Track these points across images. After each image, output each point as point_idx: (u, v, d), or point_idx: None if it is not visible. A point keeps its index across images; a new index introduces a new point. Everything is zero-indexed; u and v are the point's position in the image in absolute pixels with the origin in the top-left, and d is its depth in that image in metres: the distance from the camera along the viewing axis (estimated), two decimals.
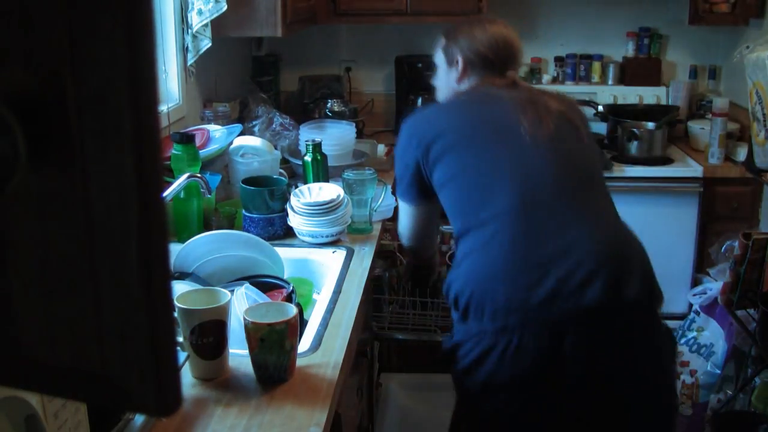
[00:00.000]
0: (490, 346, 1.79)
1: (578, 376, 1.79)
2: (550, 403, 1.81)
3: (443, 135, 1.98)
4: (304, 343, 1.66)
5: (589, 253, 1.78)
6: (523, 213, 1.84)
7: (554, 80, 4.06)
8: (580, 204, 1.88)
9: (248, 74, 3.82)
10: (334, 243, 2.29)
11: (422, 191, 2.07)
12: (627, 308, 1.80)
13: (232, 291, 1.67)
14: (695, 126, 3.77)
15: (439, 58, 2.20)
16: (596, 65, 4.04)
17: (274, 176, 2.47)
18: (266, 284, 1.89)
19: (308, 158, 2.53)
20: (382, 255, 2.57)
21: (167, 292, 0.60)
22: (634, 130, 3.56)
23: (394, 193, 2.71)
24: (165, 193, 2.02)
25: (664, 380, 1.92)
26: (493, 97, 2.05)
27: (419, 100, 3.85)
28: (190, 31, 2.83)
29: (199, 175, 2.15)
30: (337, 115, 3.47)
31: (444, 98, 2.20)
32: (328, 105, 3.59)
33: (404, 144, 2.07)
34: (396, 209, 2.63)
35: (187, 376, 1.52)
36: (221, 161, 2.60)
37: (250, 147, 2.62)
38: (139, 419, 1.31)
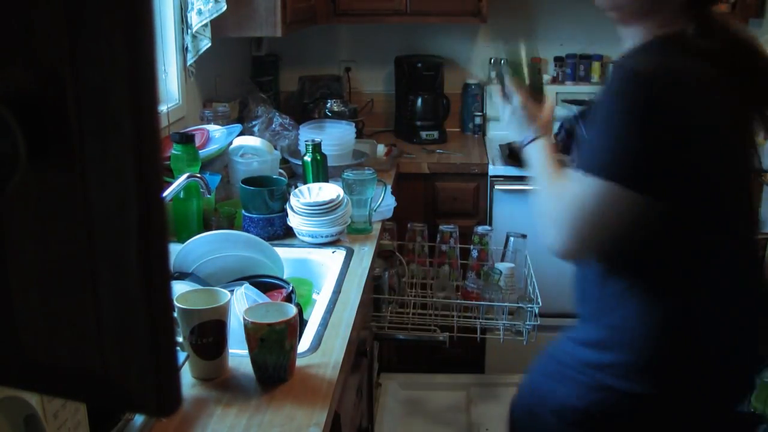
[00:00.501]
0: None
1: None
2: None
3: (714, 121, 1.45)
4: (304, 343, 1.66)
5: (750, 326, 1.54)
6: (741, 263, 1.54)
7: (554, 80, 4.05)
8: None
9: (248, 74, 3.82)
10: (333, 243, 2.29)
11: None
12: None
13: (231, 291, 1.67)
14: None
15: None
16: (596, 65, 4.04)
17: (274, 176, 2.47)
18: (266, 284, 1.89)
19: (308, 158, 2.53)
20: (381, 255, 2.58)
21: (167, 292, 0.60)
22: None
23: (393, 193, 2.71)
24: (165, 193, 2.02)
25: None
26: None
27: (418, 100, 3.85)
28: (189, 31, 2.83)
29: (198, 175, 2.15)
30: (337, 115, 3.47)
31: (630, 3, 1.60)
32: (328, 105, 3.59)
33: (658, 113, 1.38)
34: (396, 209, 2.64)
35: (186, 376, 1.52)
36: (221, 161, 2.60)
37: (250, 147, 2.62)
38: (138, 419, 1.31)
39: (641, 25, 1.53)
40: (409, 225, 2.89)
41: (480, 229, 2.85)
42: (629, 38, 1.57)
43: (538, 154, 1.66)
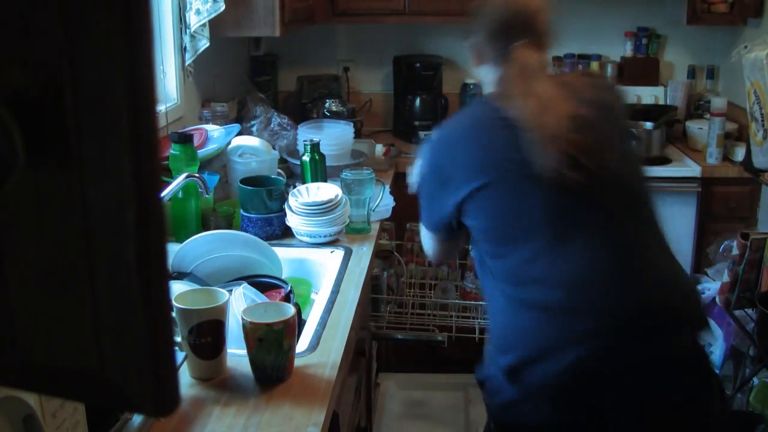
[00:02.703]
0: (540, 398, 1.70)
1: None
2: None
3: (465, 169, 1.77)
4: (302, 343, 1.66)
5: (633, 315, 1.66)
6: (560, 263, 1.67)
7: None
8: (625, 246, 1.72)
9: (246, 74, 3.82)
10: (332, 243, 2.29)
11: (447, 229, 1.88)
12: (669, 361, 1.69)
13: (230, 291, 1.67)
14: (693, 126, 3.78)
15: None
16: (594, 65, 4.04)
17: (273, 176, 2.47)
18: (264, 284, 1.89)
19: (306, 158, 2.53)
20: (380, 255, 2.58)
21: (165, 292, 0.60)
22: (632, 130, 3.56)
23: (392, 193, 2.71)
24: (163, 193, 2.02)
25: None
26: (501, 120, 1.75)
27: (417, 100, 3.86)
28: (188, 31, 2.83)
29: (197, 175, 2.15)
30: (336, 115, 3.47)
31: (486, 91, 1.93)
32: (326, 105, 3.59)
33: (429, 171, 1.87)
34: (394, 209, 2.64)
35: (185, 376, 1.52)
36: (219, 161, 2.60)
37: (249, 147, 2.62)
38: (137, 419, 1.31)
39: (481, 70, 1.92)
40: (407, 225, 2.89)
41: None
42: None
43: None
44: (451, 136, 1.85)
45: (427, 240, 2.02)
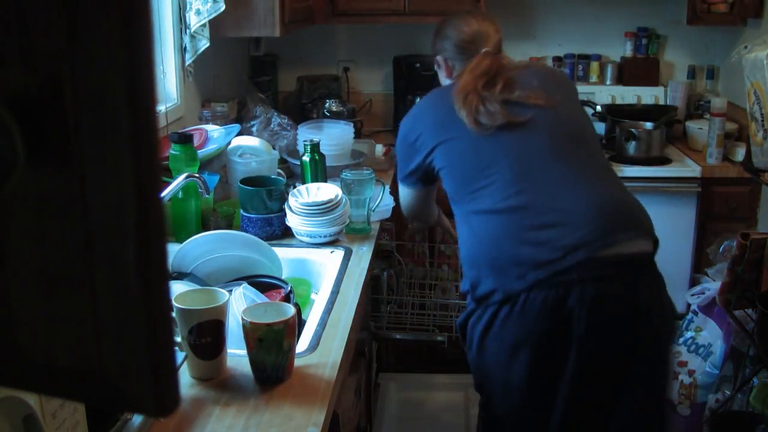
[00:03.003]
0: (497, 308, 1.92)
1: (582, 331, 1.86)
2: (559, 360, 1.90)
3: (432, 129, 2.16)
4: (302, 343, 1.66)
5: (586, 213, 1.91)
6: (517, 181, 1.97)
7: None
8: (574, 165, 2.02)
9: (246, 74, 3.82)
10: (332, 243, 2.29)
11: (421, 178, 2.27)
12: (627, 262, 1.90)
13: (230, 291, 1.67)
14: (693, 126, 3.78)
15: (435, 65, 2.39)
16: (594, 65, 4.05)
17: (272, 176, 2.47)
18: (264, 284, 1.89)
19: (306, 158, 2.53)
20: (380, 255, 2.58)
21: (165, 292, 0.60)
22: (632, 130, 3.57)
23: (392, 193, 2.71)
24: (163, 193, 2.02)
25: (668, 328, 2.05)
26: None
27: (417, 100, 3.85)
28: (188, 31, 2.83)
29: (197, 175, 2.15)
30: (335, 115, 3.47)
31: None
32: (326, 105, 3.59)
33: (401, 139, 2.27)
34: (394, 209, 2.64)
35: (185, 376, 1.52)
36: (219, 161, 2.60)
37: (249, 147, 2.62)
38: (137, 419, 1.31)
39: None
40: (409, 225, 2.90)
41: None
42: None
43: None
44: (418, 108, 2.32)
45: (404, 196, 2.42)
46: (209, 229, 2.18)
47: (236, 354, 1.57)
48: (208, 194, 2.24)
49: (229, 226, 2.29)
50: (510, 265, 1.89)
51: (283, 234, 2.32)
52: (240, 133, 2.75)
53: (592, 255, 1.85)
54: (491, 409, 2.07)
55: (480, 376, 2.06)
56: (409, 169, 2.27)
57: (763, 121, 2.83)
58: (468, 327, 2.01)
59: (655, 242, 2.00)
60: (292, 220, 2.27)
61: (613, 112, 3.82)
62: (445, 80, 2.34)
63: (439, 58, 2.33)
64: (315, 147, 2.55)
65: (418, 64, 3.89)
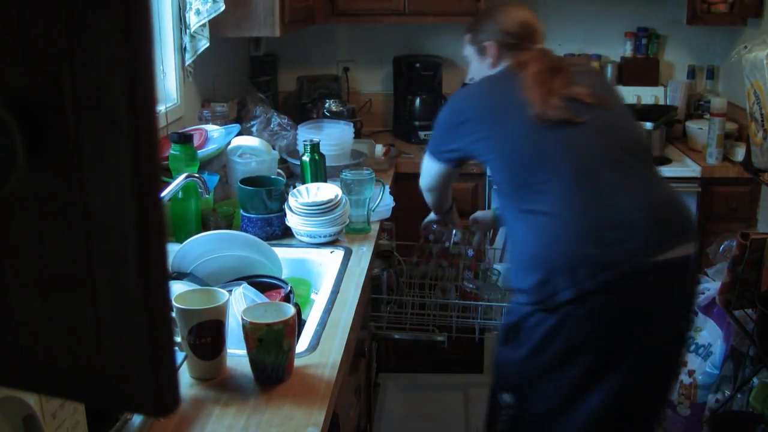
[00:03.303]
0: (566, 310, 1.90)
1: (643, 332, 1.95)
2: (615, 362, 1.95)
3: (485, 115, 2.13)
4: (302, 343, 1.66)
5: (644, 218, 1.93)
6: (580, 182, 1.96)
7: None
8: (629, 168, 2.01)
9: (246, 74, 3.82)
10: (332, 243, 2.29)
11: (455, 159, 2.29)
12: (680, 264, 1.96)
13: (230, 291, 1.67)
14: (693, 126, 3.78)
15: (469, 51, 2.34)
16: (594, 65, 4.04)
17: (272, 176, 2.47)
18: (264, 284, 1.89)
19: (306, 158, 2.53)
20: (380, 255, 2.58)
21: (165, 292, 0.60)
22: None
23: (392, 193, 2.71)
24: (163, 193, 2.02)
25: (688, 328, 2.22)
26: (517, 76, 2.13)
27: (417, 100, 3.86)
28: (188, 31, 2.83)
29: (197, 175, 2.14)
30: (335, 115, 3.47)
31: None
32: (326, 105, 3.59)
33: (447, 116, 2.24)
34: (394, 209, 2.64)
35: (185, 376, 1.52)
36: (219, 161, 2.60)
37: (248, 147, 2.62)
38: (137, 419, 1.31)
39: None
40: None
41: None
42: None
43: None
44: (472, 90, 2.28)
45: (428, 169, 2.41)
46: (209, 229, 2.18)
47: (236, 354, 1.57)
48: (208, 194, 2.24)
49: (229, 226, 2.29)
50: (579, 265, 1.89)
51: (283, 234, 2.32)
52: (240, 133, 2.75)
53: (651, 259, 1.90)
54: (526, 410, 2.04)
55: (521, 375, 2.03)
56: (446, 147, 2.25)
57: (762, 121, 2.83)
58: (525, 328, 1.97)
59: (698, 244, 2.07)
60: (292, 220, 2.27)
61: None
62: (486, 69, 2.29)
63: (487, 44, 2.25)
64: (315, 147, 2.55)
65: (418, 64, 3.89)
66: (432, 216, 2.78)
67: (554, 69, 2.12)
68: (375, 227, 2.47)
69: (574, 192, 1.95)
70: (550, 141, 2.01)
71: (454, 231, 2.83)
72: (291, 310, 1.51)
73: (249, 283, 1.83)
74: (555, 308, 1.90)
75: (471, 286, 2.68)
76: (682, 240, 1.96)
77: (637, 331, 1.94)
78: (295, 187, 2.38)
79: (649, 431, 2.13)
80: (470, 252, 2.80)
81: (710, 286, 2.98)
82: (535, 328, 1.95)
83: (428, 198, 2.61)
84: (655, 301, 1.95)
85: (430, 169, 2.40)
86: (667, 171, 3.48)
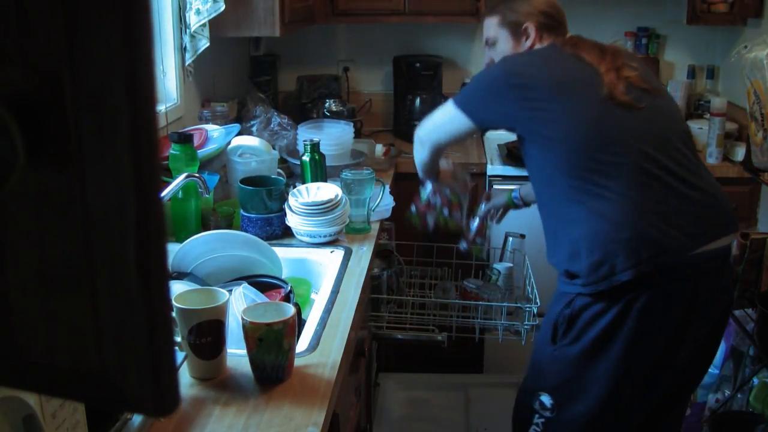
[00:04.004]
0: (629, 300, 1.92)
1: (697, 318, 1.99)
2: (670, 350, 2.01)
3: (552, 85, 2.02)
4: (302, 343, 1.66)
5: (700, 206, 1.98)
6: (645, 166, 1.94)
7: None
8: (683, 158, 2.01)
9: (246, 74, 3.82)
10: (332, 243, 2.29)
11: (487, 119, 2.17)
12: (725, 254, 2.04)
13: (230, 291, 1.67)
14: (693, 126, 3.77)
15: (501, 33, 2.25)
16: None
17: (272, 176, 2.47)
18: (264, 284, 1.89)
19: (306, 158, 2.53)
20: (380, 255, 2.58)
21: (165, 291, 0.60)
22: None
23: (392, 192, 2.71)
24: (163, 193, 2.02)
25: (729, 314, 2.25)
26: (581, 56, 2.07)
27: (417, 100, 3.85)
28: (188, 31, 2.83)
29: (197, 174, 2.14)
30: (335, 115, 3.47)
31: None
32: (326, 105, 3.59)
33: (499, 73, 2.11)
34: (394, 209, 2.64)
35: (185, 376, 1.52)
36: (219, 161, 2.60)
37: (248, 147, 2.62)
38: (137, 419, 1.31)
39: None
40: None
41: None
42: None
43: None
44: (528, 57, 2.16)
45: (446, 120, 2.21)
46: (209, 229, 2.18)
47: (236, 354, 1.57)
48: (208, 194, 2.24)
49: (229, 226, 2.29)
50: (642, 247, 1.89)
51: (283, 234, 2.32)
52: (240, 133, 2.75)
53: (705, 247, 1.94)
54: (565, 413, 2.04)
55: (566, 374, 2.02)
56: (486, 107, 2.12)
57: (763, 120, 2.83)
58: (581, 320, 1.96)
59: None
60: (292, 220, 2.27)
61: None
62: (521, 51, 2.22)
63: (527, 25, 2.18)
64: (315, 147, 2.55)
65: (418, 64, 3.89)
66: (429, 189, 2.61)
67: (611, 51, 2.08)
68: (375, 227, 2.47)
69: (638, 176, 1.93)
70: (616, 123, 1.97)
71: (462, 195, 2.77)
72: (291, 309, 1.51)
73: (249, 283, 1.83)
74: (614, 294, 1.91)
75: (471, 285, 2.68)
76: (729, 230, 2.02)
77: (694, 321, 1.98)
78: (295, 186, 2.38)
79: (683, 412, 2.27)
80: (474, 223, 2.76)
81: None
82: (594, 321, 1.95)
83: (424, 154, 2.38)
84: (709, 289, 1.98)
85: (448, 123, 2.21)
86: None
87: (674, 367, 2.03)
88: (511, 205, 2.71)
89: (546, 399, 2.04)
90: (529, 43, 2.19)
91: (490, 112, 2.11)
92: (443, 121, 2.22)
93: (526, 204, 2.67)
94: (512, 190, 2.73)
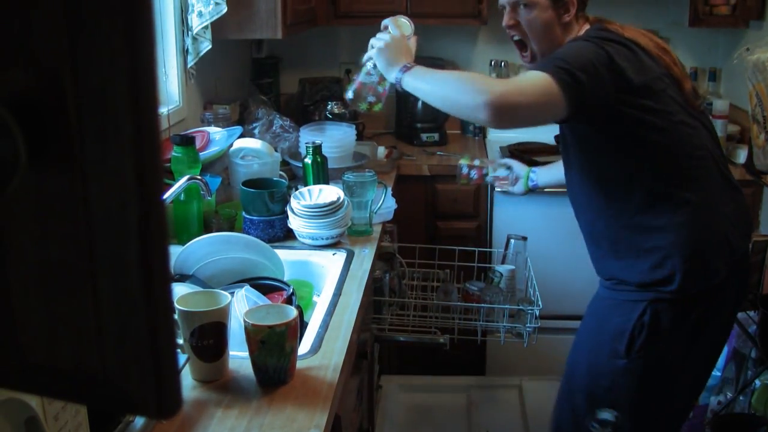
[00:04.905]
0: (705, 300, 1.96)
1: (732, 316, 2.14)
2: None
3: (654, 78, 1.91)
4: (305, 345, 1.66)
5: (740, 210, 2.04)
6: (717, 171, 1.97)
7: None
8: (724, 163, 2.05)
9: (248, 76, 3.82)
10: (334, 245, 2.29)
11: (585, 96, 1.80)
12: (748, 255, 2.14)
13: (232, 293, 1.67)
14: None
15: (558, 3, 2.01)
16: None
17: (274, 178, 2.47)
18: (266, 286, 1.89)
19: (308, 160, 2.53)
20: (382, 257, 2.57)
21: (167, 294, 0.60)
22: None
23: (393, 195, 2.71)
24: (165, 195, 2.02)
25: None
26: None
27: (419, 102, 3.85)
28: (190, 33, 2.83)
29: (199, 177, 2.15)
30: (338, 117, 3.47)
31: (544, 47, 2.03)
32: (328, 107, 3.59)
33: (603, 37, 1.89)
34: (396, 211, 2.64)
35: (187, 379, 1.52)
36: (221, 163, 2.60)
37: (250, 149, 2.62)
38: (139, 421, 1.31)
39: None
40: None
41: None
42: None
43: (427, 71, 2.08)
44: (626, 37, 1.93)
45: (533, 83, 1.79)
46: (211, 231, 2.18)
47: (238, 356, 1.57)
48: (210, 196, 2.24)
49: (231, 228, 2.29)
50: (725, 251, 1.96)
51: (285, 236, 2.32)
52: (242, 135, 2.75)
53: (746, 247, 2.06)
54: (645, 423, 2.03)
55: (635, 387, 1.98)
56: (586, 70, 1.79)
57: (765, 123, 2.83)
58: (662, 327, 1.93)
59: None
60: (294, 223, 2.27)
61: None
62: (556, 26, 2.00)
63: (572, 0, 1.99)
64: (317, 149, 2.55)
65: None
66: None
67: (663, 47, 2.01)
68: (377, 229, 2.46)
69: (716, 180, 1.95)
70: (692, 126, 1.93)
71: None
72: (293, 312, 1.51)
73: (251, 285, 1.83)
74: (698, 296, 1.94)
75: (473, 288, 2.68)
76: (752, 230, 2.14)
77: (732, 318, 2.13)
78: (297, 189, 2.38)
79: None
80: (473, 174, 2.77)
81: None
82: (680, 327, 1.94)
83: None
84: (744, 291, 2.15)
85: (536, 84, 1.78)
86: None
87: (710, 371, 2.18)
88: (525, 185, 2.67)
89: (607, 415, 1.96)
90: (567, 18, 1.99)
91: (597, 82, 1.81)
92: (532, 85, 1.80)
93: (532, 190, 2.68)
94: (530, 169, 2.68)
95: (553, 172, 2.55)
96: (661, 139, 1.89)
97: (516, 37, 2.09)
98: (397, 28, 2.28)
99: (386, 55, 2.11)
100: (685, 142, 1.92)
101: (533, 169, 2.69)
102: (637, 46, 1.91)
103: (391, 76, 2.09)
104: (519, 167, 2.72)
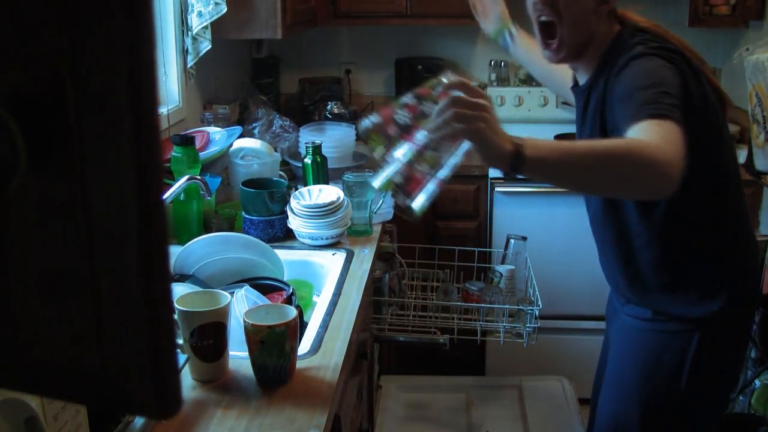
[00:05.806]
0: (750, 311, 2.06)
1: None
2: None
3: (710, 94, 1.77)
4: (304, 345, 1.66)
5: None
6: (742, 194, 1.95)
7: None
8: None
9: (248, 76, 3.82)
10: (334, 245, 2.29)
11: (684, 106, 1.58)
12: None
13: (232, 293, 1.67)
14: None
15: None
16: None
17: (274, 178, 2.47)
18: (266, 286, 1.89)
19: (308, 160, 2.53)
20: (382, 257, 2.57)
21: (167, 294, 0.60)
22: None
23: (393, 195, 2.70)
24: (165, 196, 2.02)
25: None
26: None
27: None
28: (189, 33, 2.83)
29: (199, 177, 2.15)
30: (337, 118, 3.47)
31: (575, 34, 1.82)
32: (328, 107, 3.59)
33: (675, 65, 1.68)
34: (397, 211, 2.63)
35: (186, 379, 1.52)
36: (221, 163, 2.60)
37: (250, 149, 2.62)
38: (138, 421, 1.31)
39: (589, 50, 1.85)
40: None
41: None
42: (586, 65, 1.89)
43: (552, 149, 1.43)
44: (680, 50, 1.75)
45: (669, 134, 1.46)
46: (211, 231, 2.18)
47: (238, 356, 1.57)
48: (210, 196, 2.24)
49: (231, 228, 2.29)
50: (757, 275, 2.05)
51: (284, 236, 2.32)
52: (242, 135, 2.75)
53: None
54: None
55: (699, 413, 1.93)
56: (675, 93, 1.58)
57: (764, 123, 2.83)
58: (715, 349, 1.88)
59: None
60: (294, 222, 2.27)
61: None
62: (592, 17, 1.79)
63: None
64: (317, 149, 2.55)
65: (420, 67, 3.88)
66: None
67: (701, 59, 1.83)
68: (377, 229, 2.46)
69: (743, 204, 1.92)
70: (730, 147, 1.89)
71: None
72: (293, 312, 1.51)
73: (251, 285, 1.83)
74: (742, 311, 1.96)
75: (473, 288, 2.67)
76: None
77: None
78: (296, 189, 2.38)
79: None
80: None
81: None
82: (733, 341, 1.96)
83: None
84: None
85: (673, 134, 1.48)
86: None
87: None
88: (496, 35, 2.42)
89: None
90: (605, 9, 1.79)
91: (678, 95, 1.60)
92: (668, 137, 1.48)
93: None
94: (510, 26, 2.40)
95: (534, 55, 2.21)
96: (718, 160, 1.82)
97: (544, 18, 1.83)
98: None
99: (489, 134, 1.40)
100: (730, 154, 1.87)
101: (513, 28, 2.40)
102: (685, 57, 1.73)
103: (500, 163, 1.43)
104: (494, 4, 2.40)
